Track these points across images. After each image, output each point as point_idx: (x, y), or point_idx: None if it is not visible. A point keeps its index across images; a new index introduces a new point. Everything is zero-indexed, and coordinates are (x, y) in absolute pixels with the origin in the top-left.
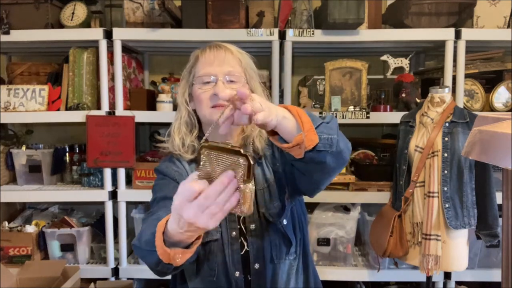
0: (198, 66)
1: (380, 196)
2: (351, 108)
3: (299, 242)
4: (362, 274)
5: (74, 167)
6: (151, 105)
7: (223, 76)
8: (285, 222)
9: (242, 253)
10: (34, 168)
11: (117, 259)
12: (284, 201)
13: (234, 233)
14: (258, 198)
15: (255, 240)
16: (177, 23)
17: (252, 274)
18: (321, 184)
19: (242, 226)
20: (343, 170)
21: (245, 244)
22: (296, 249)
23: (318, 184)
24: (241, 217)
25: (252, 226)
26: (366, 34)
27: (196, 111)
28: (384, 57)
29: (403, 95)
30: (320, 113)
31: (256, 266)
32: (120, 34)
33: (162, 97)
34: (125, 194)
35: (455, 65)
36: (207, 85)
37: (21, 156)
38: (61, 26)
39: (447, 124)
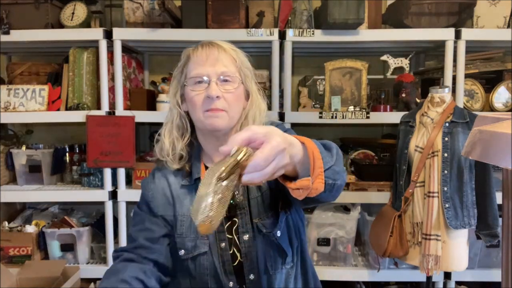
0: (190, 65)
1: (380, 196)
2: (351, 108)
3: (296, 251)
4: (362, 274)
5: (74, 167)
6: (151, 105)
7: (217, 76)
8: (278, 233)
9: (235, 264)
10: (34, 168)
11: None
12: (278, 211)
13: (223, 244)
14: (252, 207)
15: (248, 251)
16: (177, 23)
17: (247, 284)
18: (314, 206)
19: (235, 237)
20: None
21: (238, 255)
22: (293, 258)
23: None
24: (233, 228)
25: (245, 237)
26: (366, 34)
27: (189, 113)
28: (384, 57)
29: (403, 95)
30: (320, 113)
31: (251, 277)
32: (120, 34)
33: (162, 97)
34: (125, 194)
35: (455, 65)
36: (199, 86)
37: (21, 156)
38: (61, 26)
39: (447, 124)
